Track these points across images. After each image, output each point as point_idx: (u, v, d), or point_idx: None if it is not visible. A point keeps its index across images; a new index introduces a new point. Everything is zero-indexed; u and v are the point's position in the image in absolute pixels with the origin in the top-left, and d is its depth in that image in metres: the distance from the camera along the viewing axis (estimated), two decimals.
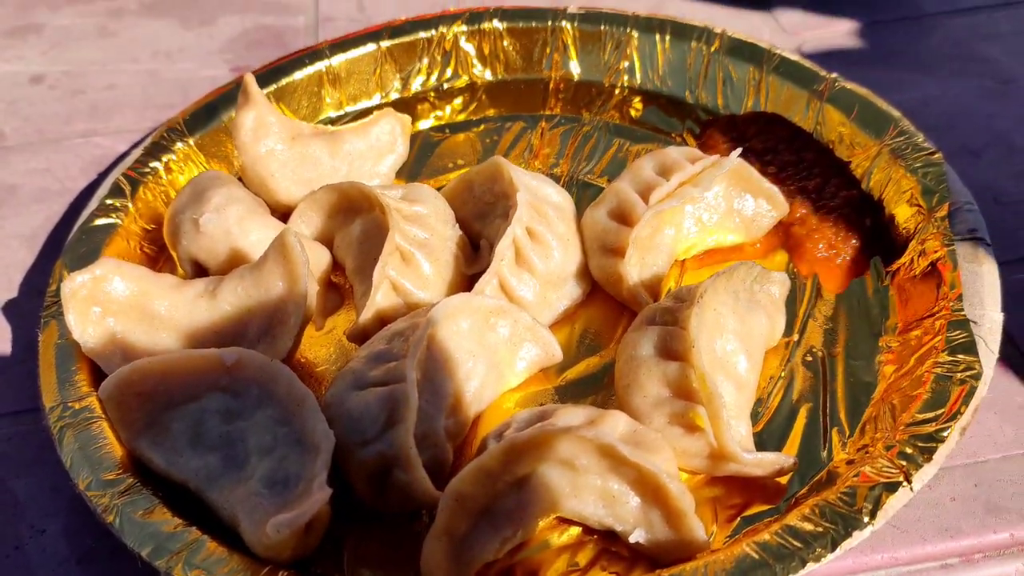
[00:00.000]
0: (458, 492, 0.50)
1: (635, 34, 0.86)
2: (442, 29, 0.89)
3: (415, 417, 0.52)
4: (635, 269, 0.65)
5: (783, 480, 0.55)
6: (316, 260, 0.67)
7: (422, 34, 0.88)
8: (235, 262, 0.65)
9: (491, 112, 0.87)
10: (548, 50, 0.89)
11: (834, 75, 0.79)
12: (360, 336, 0.63)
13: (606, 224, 0.67)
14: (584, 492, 0.51)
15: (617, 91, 0.86)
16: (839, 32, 0.95)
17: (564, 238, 0.67)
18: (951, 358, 0.56)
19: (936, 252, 0.64)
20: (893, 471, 0.51)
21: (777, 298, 0.63)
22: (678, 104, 0.84)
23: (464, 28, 0.89)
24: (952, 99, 0.86)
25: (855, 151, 0.74)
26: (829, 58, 0.92)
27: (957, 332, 0.58)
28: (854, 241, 0.69)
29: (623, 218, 0.67)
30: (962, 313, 0.59)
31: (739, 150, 0.69)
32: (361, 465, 0.53)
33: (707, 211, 0.69)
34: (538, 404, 0.61)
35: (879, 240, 0.69)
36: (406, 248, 0.65)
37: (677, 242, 0.68)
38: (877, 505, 0.49)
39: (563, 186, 0.77)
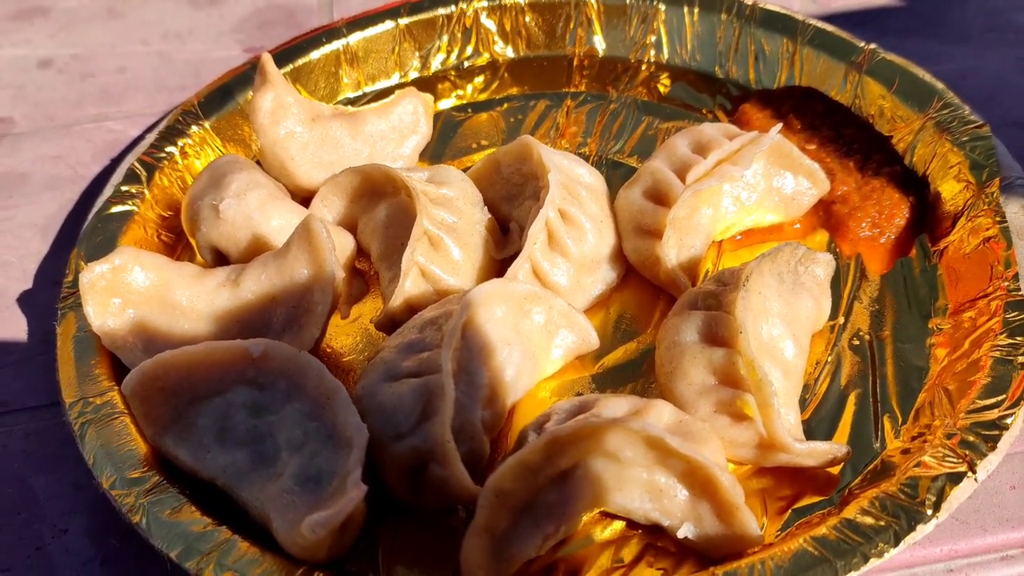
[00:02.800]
0: (498, 487, 0.47)
1: (662, 7, 0.83)
2: (462, 5, 0.86)
3: (452, 409, 0.50)
4: (673, 251, 0.63)
5: (835, 470, 0.53)
6: (340, 246, 0.64)
7: (441, 11, 0.85)
8: (257, 249, 0.63)
9: (514, 90, 0.84)
10: (572, 25, 0.86)
11: (872, 46, 0.76)
12: (389, 324, 0.61)
13: (641, 204, 0.64)
14: (629, 485, 0.49)
15: (644, 67, 0.84)
16: (873, 4, 0.92)
17: (598, 220, 0.65)
18: (1010, 340, 0.54)
19: (988, 229, 0.61)
20: (955, 461, 0.48)
21: (822, 280, 0.60)
22: (708, 79, 0.81)
23: (484, 4, 0.86)
24: (992, 70, 0.83)
25: (897, 125, 0.71)
26: (863, 30, 0.88)
27: (1015, 313, 0.55)
28: (899, 219, 0.66)
29: (659, 198, 0.64)
30: (1019, 293, 0.56)
31: (779, 126, 0.66)
32: (395, 460, 0.51)
33: (746, 190, 0.66)
34: (575, 393, 0.59)
35: (925, 218, 0.67)
36: (434, 233, 0.62)
37: (715, 222, 0.66)
38: (941, 497, 0.47)
39: (592, 166, 0.75)
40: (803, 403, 0.57)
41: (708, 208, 0.65)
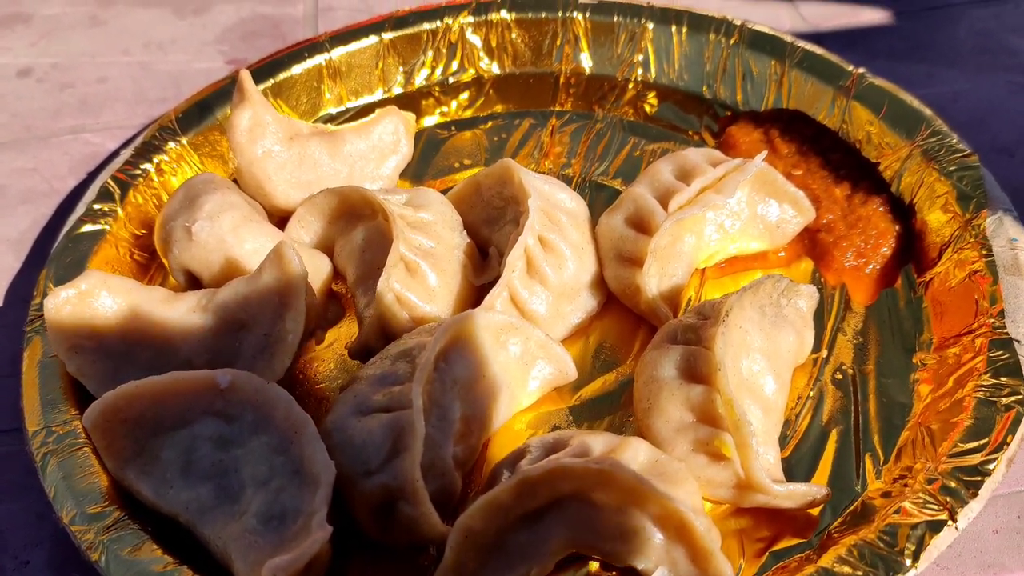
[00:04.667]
0: (467, 527, 0.46)
1: (650, 26, 0.82)
2: (447, 20, 0.84)
3: (421, 446, 0.49)
4: (654, 280, 0.61)
5: (815, 511, 0.52)
6: (316, 270, 0.63)
7: (426, 25, 0.84)
8: (230, 272, 0.61)
9: (499, 108, 0.83)
10: (558, 42, 0.85)
11: (861, 70, 0.75)
12: (363, 352, 0.59)
13: (623, 232, 0.63)
14: (603, 527, 0.48)
15: (631, 86, 0.82)
16: (863, 23, 0.91)
17: (578, 247, 0.63)
18: (994, 381, 0.53)
19: (974, 263, 0.60)
20: (936, 508, 0.47)
21: (805, 312, 0.59)
22: (695, 100, 0.80)
23: (470, 19, 0.85)
24: (982, 94, 0.82)
25: (884, 152, 0.70)
26: (853, 51, 0.88)
27: (999, 352, 0.54)
28: (884, 249, 0.65)
29: (641, 226, 0.63)
30: (1005, 331, 0.55)
31: (763, 153, 0.65)
32: (364, 497, 0.49)
33: (729, 218, 0.65)
34: (551, 425, 0.58)
35: (911, 248, 0.66)
36: (411, 258, 0.61)
37: (698, 250, 0.64)
38: (920, 546, 0.46)
39: (575, 188, 0.74)
40: (784, 440, 0.56)
41: (691, 236, 0.64)
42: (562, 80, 0.84)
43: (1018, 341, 0.54)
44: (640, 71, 0.83)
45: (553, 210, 0.64)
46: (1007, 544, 0.50)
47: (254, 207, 0.68)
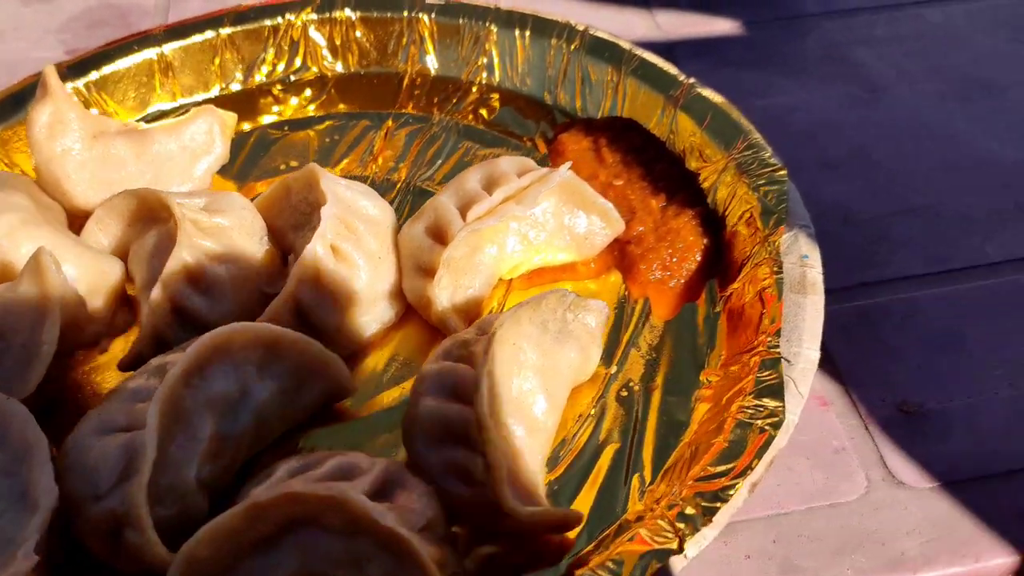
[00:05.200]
0: (191, 555, 0.44)
1: (494, 29, 0.81)
2: (289, 16, 0.82)
3: (150, 470, 0.47)
4: (445, 292, 0.60)
5: (572, 534, 0.51)
6: (104, 275, 0.61)
7: (267, 21, 0.82)
8: (4, 277, 0.59)
9: (341, 107, 0.81)
10: (404, 42, 0.83)
11: (691, 80, 0.74)
12: (134, 364, 0.57)
13: (421, 241, 0.62)
14: (333, 553, 0.46)
15: (475, 89, 0.81)
16: (716, 33, 0.90)
17: (375, 256, 0.62)
18: (756, 402, 0.52)
19: (764, 279, 0.60)
20: (669, 535, 0.47)
21: (593, 328, 0.58)
22: (536, 105, 0.79)
23: (314, 16, 0.83)
24: (818, 107, 0.82)
25: (705, 163, 0.70)
26: (703, 59, 0.87)
27: (767, 372, 0.54)
28: (689, 263, 0.65)
29: (439, 235, 0.62)
30: (777, 351, 0.55)
31: (568, 164, 0.64)
32: (92, 523, 0.47)
33: (534, 228, 0.64)
34: (327, 444, 0.56)
35: (718, 262, 0.65)
36: (194, 264, 0.59)
37: (500, 262, 0.63)
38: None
39: (399, 193, 0.72)
40: (557, 459, 0.55)
41: (492, 247, 0.63)
42: (407, 81, 0.82)
43: (788, 360, 0.54)
44: (484, 74, 0.82)
45: (351, 218, 0.62)
46: (757, 569, 0.50)
47: (52, 208, 0.66)
